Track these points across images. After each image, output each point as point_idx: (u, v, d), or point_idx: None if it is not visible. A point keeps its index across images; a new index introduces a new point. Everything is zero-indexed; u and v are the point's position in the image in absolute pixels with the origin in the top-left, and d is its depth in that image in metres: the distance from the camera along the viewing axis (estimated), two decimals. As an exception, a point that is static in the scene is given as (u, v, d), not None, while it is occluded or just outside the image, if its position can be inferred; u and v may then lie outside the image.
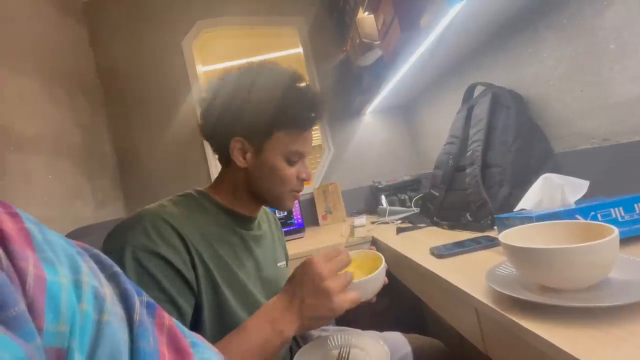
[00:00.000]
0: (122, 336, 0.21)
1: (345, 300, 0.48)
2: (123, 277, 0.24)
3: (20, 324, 0.15)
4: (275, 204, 0.65)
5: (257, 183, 0.62)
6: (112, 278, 0.23)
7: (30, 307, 0.16)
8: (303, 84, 0.62)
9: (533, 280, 0.41)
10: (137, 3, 1.86)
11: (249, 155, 0.60)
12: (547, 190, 0.61)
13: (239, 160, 0.60)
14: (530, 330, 0.35)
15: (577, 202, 0.59)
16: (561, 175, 0.62)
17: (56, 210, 1.31)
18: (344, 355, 0.66)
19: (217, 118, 0.60)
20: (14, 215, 0.18)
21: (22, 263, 0.17)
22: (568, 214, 0.54)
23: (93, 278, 0.21)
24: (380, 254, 0.62)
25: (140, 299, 0.24)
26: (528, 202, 0.64)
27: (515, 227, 0.48)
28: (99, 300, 0.20)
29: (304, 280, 0.49)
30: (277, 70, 0.61)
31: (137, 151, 1.83)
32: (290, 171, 0.61)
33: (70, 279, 0.19)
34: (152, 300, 0.25)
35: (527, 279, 0.42)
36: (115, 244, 0.49)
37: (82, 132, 1.58)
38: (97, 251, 0.25)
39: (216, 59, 2.03)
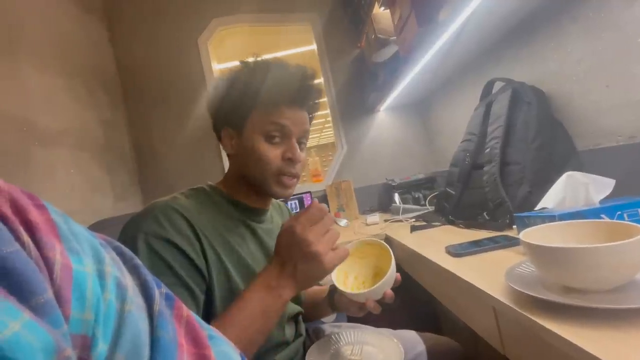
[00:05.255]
0: (143, 326, 0.21)
1: (334, 258, 0.50)
2: (143, 269, 0.25)
3: (47, 311, 0.15)
4: (264, 189, 0.61)
5: (244, 167, 0.62)
6: (133, 270, 0.24)
7: (57, 295, 0.16)
8: (276, 64, 0.62)
9: (556, 280, 0.40)
10: (155, 2, 1.89)
11: (234, 141, 0.62)
12: (571, 189, 0.59)
13: (227, 148, 0.63)
14: (552, 332, 0.34)
15: (601, 202, 0.57)
16: (586, 174, 0.60)
17: (78, 203, 1.35)
18: (356, 352, 0.66)
19: (212, 115, 0.65)
20: (40, 207, 0.19)
21: (50, 252, 0.17)
22: (592, 213, 0.52)
23: (115, 269, 0.21)
24: (386, 245, 0.61)
25: (159, 291, 0.24)
26: (550, 200, 0.62)
27: (536, 226, 0.46)
28: (121, 290, 0.20)
29: (291, 248, 0.50)
30: (258, 62, 0.63)
31: (154, 146, 1.87)
32: (273, 151, 0.59)
33: (95, 268, 0.20)
34: (170, 292, 0.26)
35: (549, 279, 0.41)
36: (129, 233, 0.51)
37: (103, 127, 1.63)
38: (119, 243, 0.25)
39: (231, 56, 2.05)
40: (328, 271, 0.50)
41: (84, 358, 0.17)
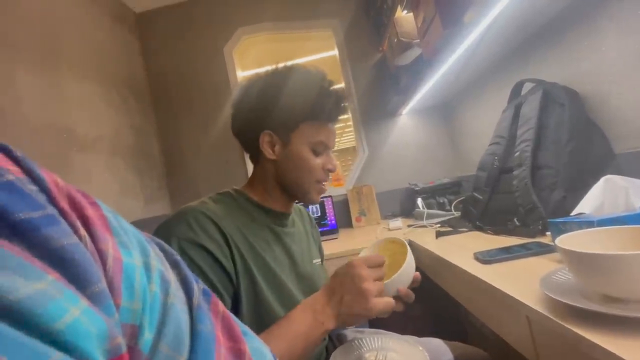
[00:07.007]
0: (184, 318, 0.22)
1: (379, 302, 0.51)
2: (183, 265, 0.26)
3: (102, 300, 0.16)
4: (302, 196, 0.67)
5: (285, 174, 0.64)
6: (174, 265, 0.25)
7: (110, 286, 0.17)
8: (326, 80, 0.65)
9: (596, 288, 0.38)
10: (183, 14, 1.98)
11: (277, 147, 0.64)
12: (610, 193, 0.56)
13: (268, 152, 0.64)
14: (592, 342, 0.32)
15: (644, 207, 0.54)
16: (625, 177, 0.57)
17: (111, 205, 1.37)
18: (381, 358, 0.65)
19: (247, 115, 0.65)
20: (94, 204, 0.20)
21: (103, 245, 0.18)
22: (634, 218, 0.49)
23: (159, 263, 0.22)
24: (404, 241, 0.61)
25: (198, 286, 0.25)
26: (587, 205, 0.59)
27: (573, 233, 0.44)
28: (165, 283, 0.21)
29: (345, 280, 0.53)
30: (302, 69, 0.66)
31: (181, 152, 1.94)
32: (317, 161, 0.64)
33: (142, 261, 0.21)
34: (207, 288, 0.27)
35: (588, 288, 0.39)
36: (162, 237, 0.52)
37: (134, 133, 1.71)
38: (160, 240, 0.26)
39: (255, 64, 2.10)
40: (371, 311, 0.50)
41: (132, 346, 0.18)
